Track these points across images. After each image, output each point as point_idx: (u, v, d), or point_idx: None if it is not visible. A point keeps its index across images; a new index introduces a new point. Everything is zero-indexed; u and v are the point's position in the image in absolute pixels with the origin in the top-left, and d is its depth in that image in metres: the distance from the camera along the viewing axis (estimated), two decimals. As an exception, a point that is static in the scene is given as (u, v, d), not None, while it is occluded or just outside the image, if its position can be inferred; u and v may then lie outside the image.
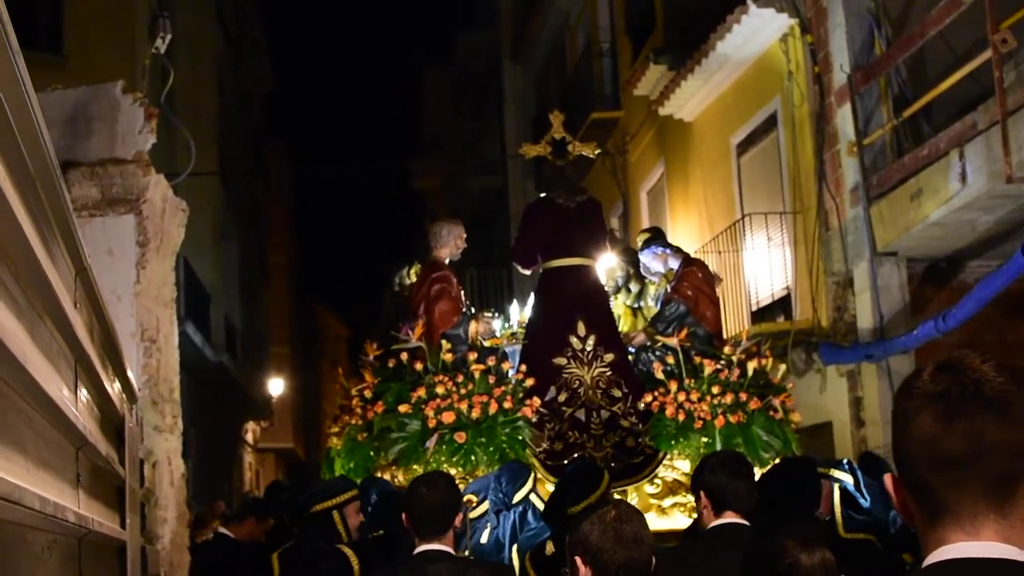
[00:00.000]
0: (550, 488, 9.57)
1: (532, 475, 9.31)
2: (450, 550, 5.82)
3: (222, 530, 11.65)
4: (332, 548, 8.07)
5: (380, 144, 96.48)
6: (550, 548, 7.65)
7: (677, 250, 12.63)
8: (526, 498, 9.03)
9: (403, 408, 10.56)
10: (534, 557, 7.78)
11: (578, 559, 4.46)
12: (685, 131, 22.36)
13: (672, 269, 12.29)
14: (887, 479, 2.34)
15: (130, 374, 5.75)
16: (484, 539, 8.92)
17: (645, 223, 23.67)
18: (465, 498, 9.14)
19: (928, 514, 2.26)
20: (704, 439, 10.93)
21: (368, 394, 10.97)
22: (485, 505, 9.10)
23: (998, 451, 2.18)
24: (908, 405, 2.28)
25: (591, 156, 13.24)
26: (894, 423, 2.33)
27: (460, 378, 10.67)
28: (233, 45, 36.92)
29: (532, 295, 12.61)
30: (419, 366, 10.73)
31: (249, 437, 42.51)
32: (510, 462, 9.77)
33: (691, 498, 10.12)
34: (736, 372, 11.24)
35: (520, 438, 10.62)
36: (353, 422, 11.15)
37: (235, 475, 36.80)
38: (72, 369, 3.91)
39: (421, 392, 10.56)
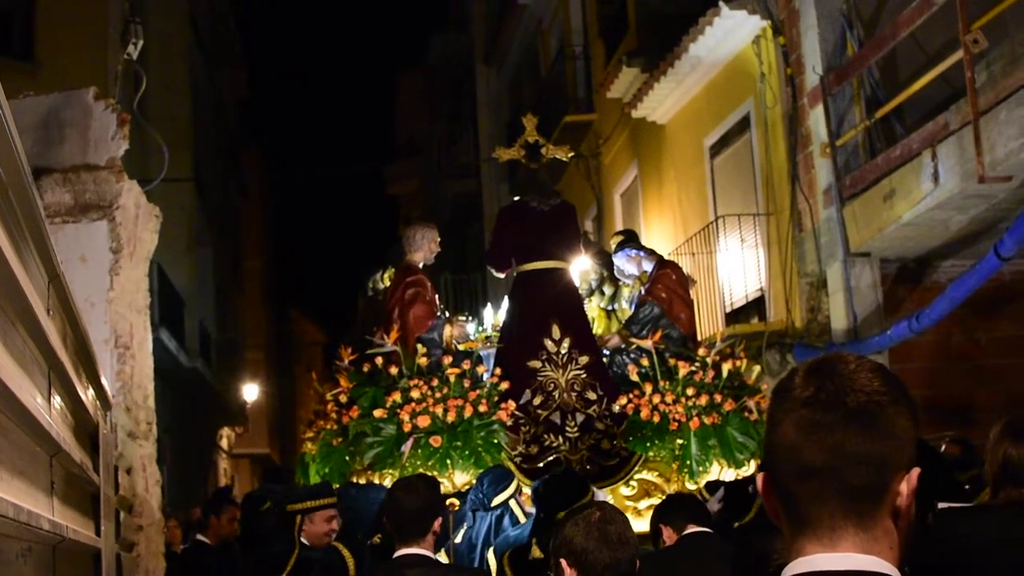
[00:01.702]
0: (527, 491, 9.59)
1: (516, 482, 9.32)
2: (429, 554, 5.82)
3: (200, 537, 11.63)
4: (329, 548, 8.10)
5: (355, 149, 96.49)
6: (536, 552, 7.64)
7: (651, 252, 12.66)
8: (505, 503, 9.03)
9: (378, 413, 10.55)
10: (513, 559, 7.77)
11: (563, 561, 4.46)
12: (658, 133, 22.39)
13: (646, 271, 12.32)
14: (758, 480, 2.30)
15: (104, 381, 5.73)
16: (458, 539, 8.92)
17: (619, 225, 23.68)
18: (448, 501, 9.16)
19: (791, 522, 2.22)
20: (679, 441, 10.96)
21: (343, 399, 10.96)
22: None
23: (858, 463, 2.12)
24: (776, 410, 2.23)
25: (565, 159, 13.24)
26: (766, 425, 2.27)
27: (435, 382, 10.68)
28: (206, 50, 36.83)
29: (506, 298, 12.61)
30: (394, 370, 10.73)
31: (224, 443, 42.44)
32: (496, 466, 9.79)
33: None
34: (711, 374, 11.26)
35: (495, 441, 10.63)
36: (328, 427, 11.14)
37: (210, 481, 36.70)
38: (46, 376, 3.91)
39: (396, 396, 10.56)
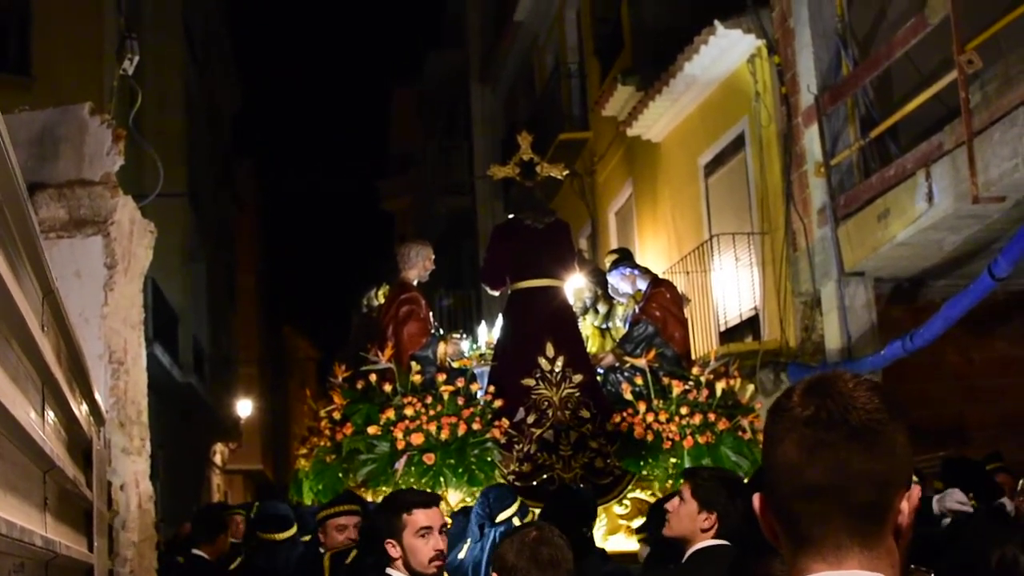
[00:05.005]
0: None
1: (519, 503, 9.26)
2: None
3: (196, 551, 11.58)
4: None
5: (349, 165, 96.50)
6: None
7: (645, 271, 12.65)
8: (509, 520, 9.00)
9: (372, 430, 10.54)
10: None
11: (495, 575, 4.53)
12: (653, 152, 22.39)
13: (640, 290, 12.31)
14: (755, 499, 2.27)
15: (98, 396, 5.73)
16: (462, 554, 8.88)
17: (613, 244, 23.67)
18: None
19: (792, 541, 2.18)
20: (672, 459, 10.95)
21: (337, 416, 10.95)
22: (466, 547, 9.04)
23: (862, 482, 2.11)
24: (775, 428, 2.20)
25: (559, 177, 13.24)
26: (763, 444, 2.24)
27: (429, 399, 10.67)
28: (201, 66, 36.82)
29: (500, 316, 12.60)
30: (388, 387, 10.72)
31: (217, 459, 42.34)
32: (498, 484, 9.75)
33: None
34: (704, 392, 11.26)
35: (489, 459, 10.62)
36: (322, 444, 11.12)
37: (203, 497, 36.60)
38: (39, 392, 3.90)
39: (390, 413, 10.54)
